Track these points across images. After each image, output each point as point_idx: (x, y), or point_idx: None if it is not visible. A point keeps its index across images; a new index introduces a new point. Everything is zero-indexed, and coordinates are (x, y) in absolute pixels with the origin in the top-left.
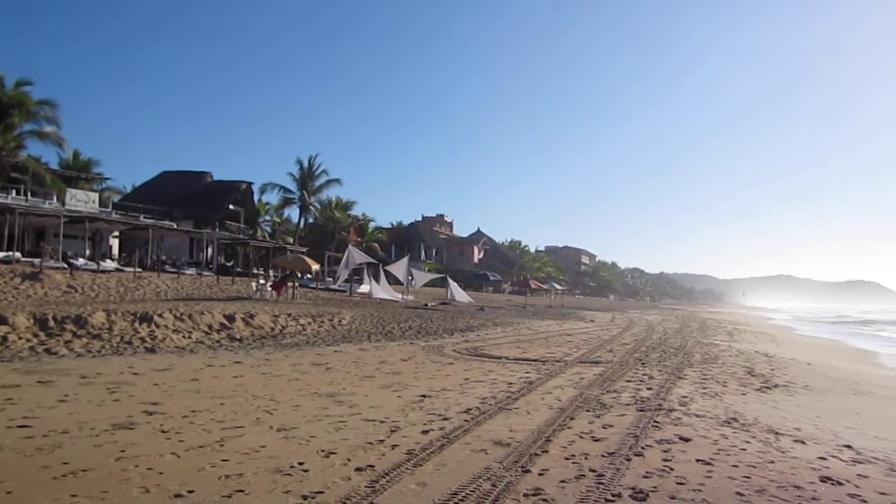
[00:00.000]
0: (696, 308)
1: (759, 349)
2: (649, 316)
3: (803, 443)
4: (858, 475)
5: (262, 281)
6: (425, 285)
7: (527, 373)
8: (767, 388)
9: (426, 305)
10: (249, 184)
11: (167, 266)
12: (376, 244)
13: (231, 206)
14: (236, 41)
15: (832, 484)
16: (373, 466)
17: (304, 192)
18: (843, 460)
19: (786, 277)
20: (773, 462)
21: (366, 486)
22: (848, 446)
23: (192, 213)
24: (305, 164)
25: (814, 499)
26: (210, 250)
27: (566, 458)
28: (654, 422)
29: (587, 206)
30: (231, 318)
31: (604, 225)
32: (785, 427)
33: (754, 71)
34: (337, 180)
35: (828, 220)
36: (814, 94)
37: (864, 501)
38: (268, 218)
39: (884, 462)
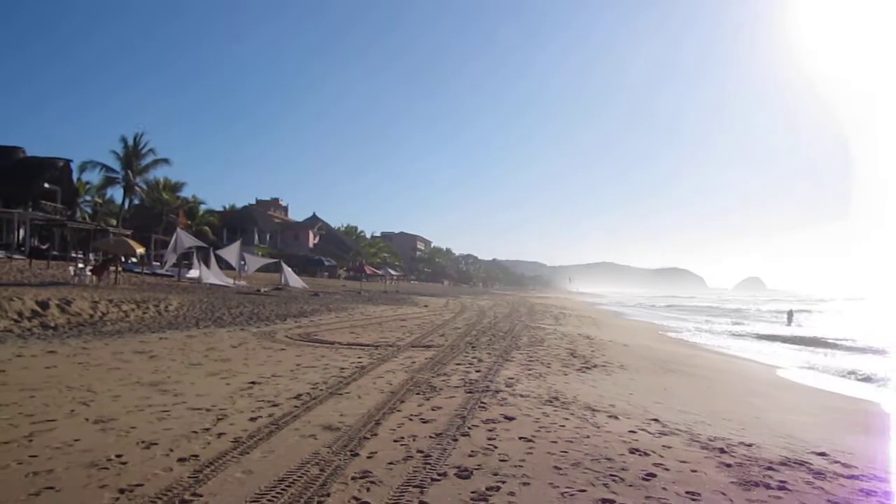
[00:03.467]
0: (526, 293)
1: (581, 332)
2: (481, 301)
3: (616, 418)
4: (663, 446)
5: (81, 265)
6: (258, 270)
7: (359, 358)
8: (587, 368)
9: (259, 291)
10: (68, 161)
11: None
12: (207, 227)
13: (46, 185)
14: (47, 5)
15: (640, 455)
16: (197, 456)
17: (129, 171)
18: (650, 433)
19: (609, 264)
20: (588, 437)
21: (189, 477)
22: (655, 420)
23: (1, 191)
24: (130, 141)
25: (623, 469)
26: (22, 232)
27: (395, 441)
28: (481, 403)
29: (423, 193)
30: (44, 305)
31: (439, 212)
32: (601, 404)
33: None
34: (165, 160)
35: (647, 210)
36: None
37: (667, 469)
38: (88, 198)
39: (686, 433)
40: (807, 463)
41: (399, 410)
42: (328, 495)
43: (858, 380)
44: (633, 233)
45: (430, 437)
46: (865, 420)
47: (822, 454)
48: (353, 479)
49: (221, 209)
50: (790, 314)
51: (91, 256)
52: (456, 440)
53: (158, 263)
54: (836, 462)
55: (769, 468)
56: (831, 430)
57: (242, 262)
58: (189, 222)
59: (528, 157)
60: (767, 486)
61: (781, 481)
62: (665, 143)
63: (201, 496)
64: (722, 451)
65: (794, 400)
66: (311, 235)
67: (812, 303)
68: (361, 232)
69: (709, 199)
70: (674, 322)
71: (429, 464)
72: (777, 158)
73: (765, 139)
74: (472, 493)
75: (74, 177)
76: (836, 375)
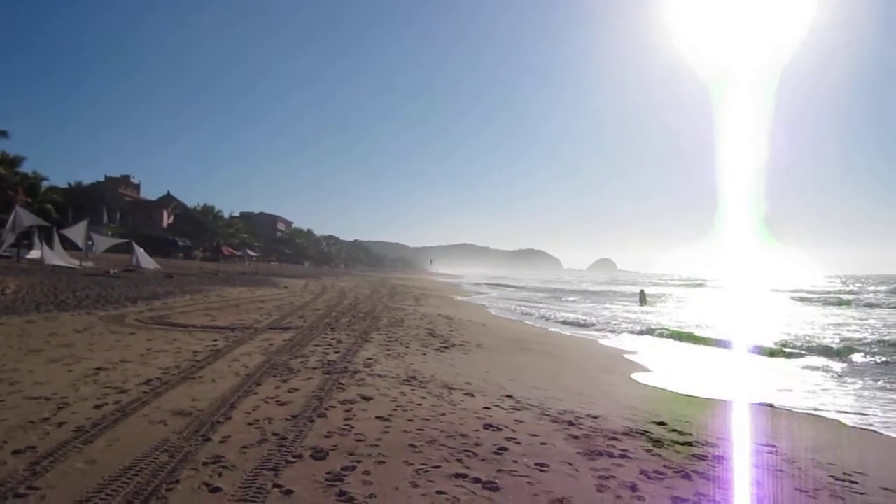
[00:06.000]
0: (387, 275)
1: (441, 312)
2: (343, 282)
3: (472, 395)
4: (515, 420)
5: None
6: (107, 251)
7: (214, 341)
8: (446, 347)
9: (108, 272)
10: None
11: None
12: (50, 206)
13: None
14: None
15: (493, 430)
16: (34, 447)
17: None
18: (504, 409)
19: (469, 246)
20: (444, 414)
21: (24, 470)
22: (509, 396)
23: None
24: None
25: (477, 444)
26: None
27: (249, 424)
28: (339, 383)
29: (283, 173)
30: None
31: (301, 192)
32: (458, 382)
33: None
34: (3, 132)
35: (507, 194)
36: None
37: (518, 443)
38: None
39: (537, 408)
40: (647, 432)
41: (255, 393)
42: (177, 482)
43: (697, 356)
44: (492, 215)
45: (286, 419)
46: (701, 392)
47: (662, 423)
48: (204, 464)
49: (67, 186)
50: (642, 294)
51: None
52: (312, 421)
53: None
54: (674, 430)
55: (613, 438)
56: (671, 402)
57: (90, 243)
58: (30, 200)
59: (388, 141)
60: (610, 455)
61: (623, 450)
62: (526, 130)
63: (38, 489)
64: (570, 423)
65: (639, 375)
66: (165, 215)
67: (659, 284)
68: (219, 212)
69: (568, 185)
70: (529, 302)
71: (284, 446)
72: (636, 147)
73: (626, 127)
74: (328, 473)
75: None
76: (677, 353)
